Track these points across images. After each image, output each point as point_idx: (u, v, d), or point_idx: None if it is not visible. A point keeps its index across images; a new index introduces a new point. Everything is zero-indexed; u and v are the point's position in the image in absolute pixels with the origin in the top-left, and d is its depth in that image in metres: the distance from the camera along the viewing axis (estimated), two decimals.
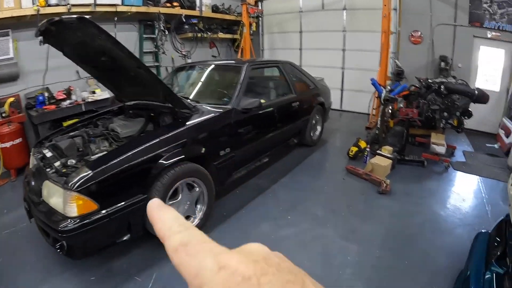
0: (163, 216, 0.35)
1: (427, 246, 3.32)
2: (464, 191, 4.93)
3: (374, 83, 5.83)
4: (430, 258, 3.11)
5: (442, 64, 7.58)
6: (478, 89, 5.31)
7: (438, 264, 3.02)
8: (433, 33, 8.04)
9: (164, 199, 2.73)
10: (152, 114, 3.67)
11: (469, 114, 5.44)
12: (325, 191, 4.58)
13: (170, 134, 3.02)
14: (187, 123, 3.29)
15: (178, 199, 3.03)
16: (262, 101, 4.04)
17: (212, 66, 5.05)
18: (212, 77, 5.02)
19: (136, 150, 2.71)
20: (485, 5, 7.53)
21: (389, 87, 5.76)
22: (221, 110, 3.66)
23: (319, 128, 6.17)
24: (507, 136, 7.02)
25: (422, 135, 6.46)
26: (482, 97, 5.20)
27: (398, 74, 7.17)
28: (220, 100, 4.06)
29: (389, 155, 5.23)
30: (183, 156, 2.97)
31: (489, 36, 7.71)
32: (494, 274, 1.81)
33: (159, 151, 2.82)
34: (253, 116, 4.03)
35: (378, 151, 5.34)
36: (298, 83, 5.70)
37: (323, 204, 4.19)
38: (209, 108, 3.69)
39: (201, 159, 3.24)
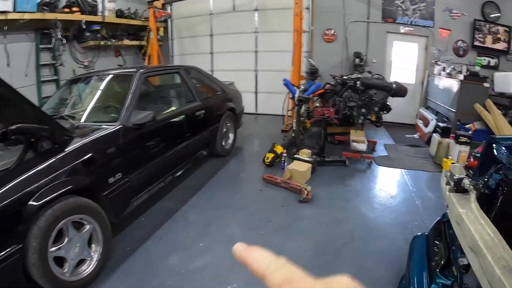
0: (255, 257, 0.37)
1: (361, 256, 3.01)
2: (390, 187, 4.71)
3: (286, 83, 5.46)
4: (367, 269, 2.80)
5: (357, 60, 7.55)
6: (395, 82, 5.16)
7: (377, 275, 2.71)
8: (346, 30, 8.02)
9: (45, 246, 2.29)
10: (32, 139, 2.87)
11: (387, 109, 5.30)
12: (241, 206, 4.06)
13: (43, 165, 2.48)
14: (66, 149, 2.74)
15: (64, 242, 2.48)
16: (169, 109, 3.66)
17: (102, 76, 4.26)
18: (101, 89, 4.20)
19: (2, 190, 2.15)
20: (397, 1, 7.68)
21: (302, 87, 5.42)
22: (108, 129, 3.13)
23: (231, 135, 5.66)
24: (426, 126, 7.16)
25: (341, 133, 6.25)
26: (400, 90, 5.05)
27: (313, 73, 6.96)
28: (108, 116, 3.51)
29: (308, 159, 4.85)
30: (62, 190, 2.45)
31: (402, 31, 7.89)
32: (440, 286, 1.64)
33: (30, 188, 2.29)
34: (148, 131, 3.53)
35: (296, 156, 4.94)
36: (204, 89, 5.13)
37: (239, 222, 3.72)
38: (94, 127, 3.17)
39: (87, 191, 2.72)
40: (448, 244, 1.77)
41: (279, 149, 5.17)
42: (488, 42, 7.61)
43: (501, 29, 7.57)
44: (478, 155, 4.75)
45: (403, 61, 8.18)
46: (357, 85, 5.01)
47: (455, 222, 1.47)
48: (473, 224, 1.28)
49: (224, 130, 5.44)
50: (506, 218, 1.50)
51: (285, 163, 4.91)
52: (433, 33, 7.75)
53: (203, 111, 4.72)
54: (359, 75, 5.36)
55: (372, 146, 6.19)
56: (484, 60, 7.63)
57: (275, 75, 7.93)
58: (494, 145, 1.96)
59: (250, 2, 8.51)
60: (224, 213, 3.94)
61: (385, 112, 5.27)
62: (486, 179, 1.71)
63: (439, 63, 7.46)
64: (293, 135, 5.39)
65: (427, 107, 7.76)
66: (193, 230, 3.57)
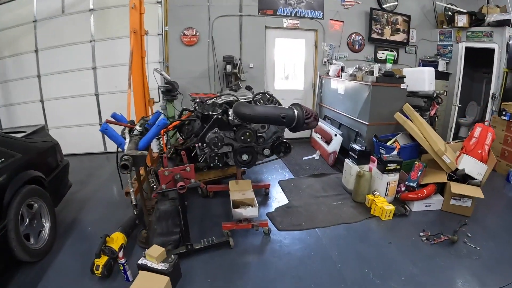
0: None
1: None
2: (308, 274, 2.70)
3: (105, 129, 2.79)
4: None
5: (228, 67, 5.45)
6: (296, 106, 3.02)
7: None
8: (212, 28, 5.88)
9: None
10: None
11: (286, 148, 3.20)
12: None
13: None
14: None
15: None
16: None
17: None
18: None
19: None
20: None
21: (138, 128, 2.91)
22: None
23: (46, 223, 3.02)
24: (327, 142, 5.42)
25: (215, 180, 4.09)
26: (308, 118, 2.95)
27: (169, 91, 4.61)
28: None
29: (161, 267, 2.43)
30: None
31: (285, 25, 6.20)
32: None
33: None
34: None
35: (142, 262, 2.47)
36: None
37: None
38: None
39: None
40: None
41: (116, 242, 2.65)
42: (387, 34, 6.56)
43: (400, 18, 6.57)
44: (412, 183, 3.78)
45: (288, 63, 6.55)
46: (229, 118, 2.77)
47: None
48: None
49: (27, 220, 2.78)
50: None
51: (127, 273, 2.41)
52: (323, 26, 6.31)
53: None
54: (231, 96, 3.10)
55: (265, 192, 4.16)
56: (383, 54, 6.49)
57: (122, 98, 5.24)
58: None
59: (83, 1, 5.73)
60: None
61: (281, 154, 3.16)
62: None
63: (333, 61, 5.87)
64: (135, 212, 2.86)
65: (324, 117, 6.12)
66: None
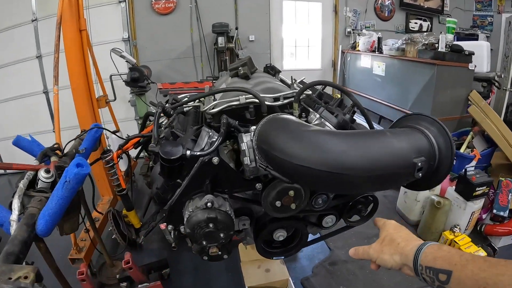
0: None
1: None
2: None
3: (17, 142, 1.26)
4: None
5: (220, 40, 3.85)
6: (425, 121, 1.05)
7: None
8: None
9: None
10: None
11: (370, 206, 1.59)
12: None
13: None
14: None
15: None
16: None
17: None
18: None
19: None
20: None
21: (43, 177, 1.32)
22: None
23: None
24: None
25: None
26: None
27: (134, 81, 3.08)
28: None
29: None
30: None
31: None
32: None
33: None
34: None
35: None
36: None
37: None
38: None
39: None
40: None
41: None
42: (420, 0, 5.21)
43: None
44: (504, 213, 2.70)
45: (300, 35, 5.00)
46: (244, 162, 1.10)
47: None
48: None
49: None
50: None
51: None
52: None
53: None
54: (241, 96, 1.41)
55: None
56: (415, 24, 5.21)
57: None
58: None
59: None
60: None
61: (356, 219, 1.61)
62: None
63: (362, 31, 4.38)
64: None
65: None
66: None
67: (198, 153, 0.96)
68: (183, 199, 1.09)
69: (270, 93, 1.26)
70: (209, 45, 4.16)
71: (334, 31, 4.90)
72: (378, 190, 1.05)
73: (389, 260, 0.71)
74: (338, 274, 2.39)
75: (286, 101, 1.29)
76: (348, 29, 4.83)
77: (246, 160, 1.00)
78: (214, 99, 1.26)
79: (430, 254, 0.64)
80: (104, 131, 2.09)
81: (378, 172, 0.84)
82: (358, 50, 4.50)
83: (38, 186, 1.29)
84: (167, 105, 1.24)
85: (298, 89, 1.35)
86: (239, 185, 1.09)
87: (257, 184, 1.09)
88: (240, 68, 1.47)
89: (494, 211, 2.70)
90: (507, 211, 2.67)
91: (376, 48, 4.12)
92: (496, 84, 3.74)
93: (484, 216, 2.81)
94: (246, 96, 1.20)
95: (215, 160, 1.00)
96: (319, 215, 1.37)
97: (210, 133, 1.09)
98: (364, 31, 4.47)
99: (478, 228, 2.78)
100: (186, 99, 1.35)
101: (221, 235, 1.03)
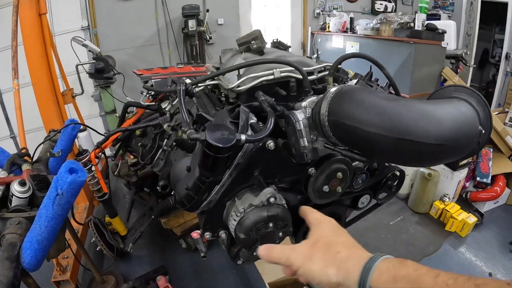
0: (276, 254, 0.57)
1: None
2: None
3: None
4: None
5: (191, 23, 3.56)
6: (463, 92, 0.94)
7: None
8: None
9: None
10: None
11: (399, 181, 1.47)
12: None
13: None
14: None
15: None
16: None
17: None
18: None
19: None
20: None
21: (17, 192, 1.05)
22: None
23: None
24: None
25: None
26: None
27: (99, 72, 2.76)
28: None
29: None
30: None
31: None
32: None
33: None
34: None
35: None
36: None
37: None
38: None
39: None
40: None
41: None
42: None
43: None
44: (486, 179, 2.88)
45: (270, 17, 4.86)
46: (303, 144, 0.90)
47: None
48: None
49: None
50: None
51: None
52: None
53: None
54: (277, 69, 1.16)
55: None
56: (381, 5, 5.20)
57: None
58: None
59: None
60: None
61: (385, 196, 1.51)
62: None
63: (332, 12, 4.34)
64: None
65: None
66: None
67: (257, 137, 0.77)
68: (225, 199, 0.90)
69: (301, 66, 1.10)
70: (176, 30, 3.84)
71: (303, 12, 4.80)
72: (446, 161, 0.94)
73: (319, 273, 0.50)
74: None
75: (320, 75, 1.15)
76: (317, 11, 4.77)
77: (303, 142, 0.84)
78: (239, 75, 1.07)
79: (386, 271, 0.44)
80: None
81: (459, 142, 0.75)
82: (329, 31, 4.45)
83: (12, 204, 1.03)
84: (187, 81, 1.01)
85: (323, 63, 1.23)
86: (292, 173, 0.93)
87: (310, 169, 0.93)
88: (252, 42, 1.29)
89: (478, 178, 2.86)
90: (490, 177, 2.83)
91: (349, 29, 4.09)
92: (463, 61, 3.92)
93: (467, 184, 2.97)
94: (281, 69, 1.03)
95: (271, 144, 0.82)
96: (354, 196, 1.27)
97: (249, 114, 0.91)
98: (334, 12, 4.43)
99: (464, 196, 2.94)
100: (207, 74, 1.13)
101: (280, 234, 0.87)
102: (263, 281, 1.69)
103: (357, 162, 1.10)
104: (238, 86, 1.04)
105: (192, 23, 3.52)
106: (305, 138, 0.84)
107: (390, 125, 0.72)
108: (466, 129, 0.78)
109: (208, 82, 1.13)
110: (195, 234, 0.98)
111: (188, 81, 1.12)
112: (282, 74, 1.03)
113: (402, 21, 3.37)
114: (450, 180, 2.79)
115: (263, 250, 0.58)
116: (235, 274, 2.10)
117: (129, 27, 3.73)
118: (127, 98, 2.69)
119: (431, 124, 0.73)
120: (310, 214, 0.64)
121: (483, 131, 0.84)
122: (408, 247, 2.47)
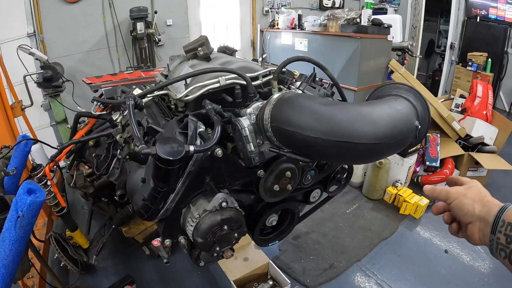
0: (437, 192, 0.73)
1: None
2: None
3: None
4: None
5: (140, 26, 3.50)
6: (402, 89, 1.13)
7: None
8: None
9: None
10: None
11: (347, 174, 1.55)
12: None
13: None
14: None
15: None
16: None
17: None
18: None
19: None
20: None
21: None
22: None
23: None
24: None
25: None
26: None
27: (48, 81, 2.68)
28: None
29: None
30: None
31: None
32: None
33: None
34: None
35: None
36: None
37: None
38: None
39: None
40: None
41: None
42: None
43: None
44: (435, 163, 3.12)
45: (218, 16, 4.80)
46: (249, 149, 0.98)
47: None
48: None
49: None
50: None
51: None
52: None
53: None
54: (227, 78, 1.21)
55: None
56: (329, 1, 5.35)
57: None
58: None
59: None
60: None
61: (335, 188, 1.60)
62: None
63: (280, 9, 4.44)
64: None
65: None
66: None
67: (205, 147, 0.81)
68: (180, 206, 0.94)
69: (245, 72, 1.16)
70: (124, 33, 3.72)
71: (252, 10, 4.84)
72: (386, 156, 1.04)
73: (468, 205, 0.66)
74: (304, 246, 2.49)
75: (264, 79, 1.22)
76: (266, 8, 4.82)
77: (250, 147, 0.90)
78: (186, 84, 1.10)
79: None
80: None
81: (395, 139, 0.84)
82: (278, 28, 4.53)
83: None
84: (135, 92, 1.03)
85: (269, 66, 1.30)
86: (242, 176, 0.99)
87: (259, 171, 1.00)
88: (199, 49, 1.33)
89: (427, 163, 3.08)
90: (438, 161, 3.05)
91: (297, 25, 4.19)
92: (409, 52, 4.17)
93: (418, 169, 3.19)
94: (226, 77, 1.08)
95: (219, 152, 0.88)
96: (306, 191, 1.36)
97: (198, 124, 0.96)
98: (283, 9, 4.52)
99: (415, 180, 3.14)
100: (150, 87, 1.16)
101: (236, 234, 0.93)
102: (228, 279, 1.75)
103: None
104: (186, 96, 1.07)
105: (140, 26, 3.44)
106: (251, 144, 0.90)
107: (328, 129, 0.80)
108: (402, 126, 0.88)
109: (156, 93, 1.16)
110: (156, 242, 1.02)
111: (136, 92, 1.13)
112: (228, 82, 1.08)
113: (348, 17, 3.52)
114: (401, 167, 2.97)
115: (427, 188, 0.75)
116: (201, 275, 2.13)
117: (76, 31, 3.55)
118: (78, 106, 2.61)
119: (366, 126, 0.81)
120: (460, 178, 0.78)
121: (419, 126, 0.95)
122: (366, 232, 2.59)
